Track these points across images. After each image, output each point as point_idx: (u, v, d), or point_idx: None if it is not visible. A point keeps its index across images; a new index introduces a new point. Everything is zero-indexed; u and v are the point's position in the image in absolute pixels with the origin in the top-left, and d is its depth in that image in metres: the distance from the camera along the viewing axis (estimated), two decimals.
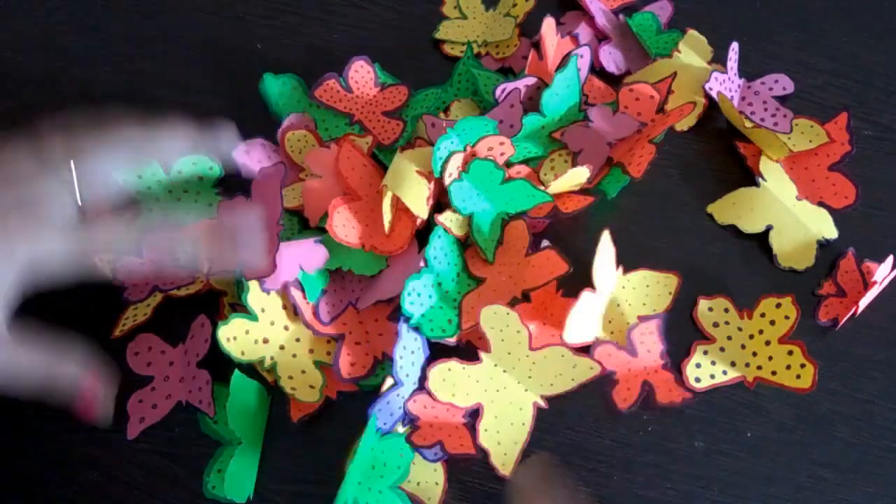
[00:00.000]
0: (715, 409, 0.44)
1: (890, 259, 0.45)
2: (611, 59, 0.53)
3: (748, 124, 0.49)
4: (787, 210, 0.48)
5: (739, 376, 0.44)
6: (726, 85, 0.51)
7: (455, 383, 0.42)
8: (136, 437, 0.44)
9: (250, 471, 0.43)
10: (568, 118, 0.50)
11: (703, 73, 0.51)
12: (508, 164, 0.48)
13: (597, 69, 0.53)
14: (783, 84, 0.53)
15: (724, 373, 0.44)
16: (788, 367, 0.43)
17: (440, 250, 0.45)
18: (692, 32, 0.54)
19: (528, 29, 0.54)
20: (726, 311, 0.45)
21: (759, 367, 0.43)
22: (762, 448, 0.43)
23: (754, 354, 0.44)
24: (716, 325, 0.45)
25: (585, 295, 0.41)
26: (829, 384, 0.44)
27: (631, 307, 0.45)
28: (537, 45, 0.52)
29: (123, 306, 0.47)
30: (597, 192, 0.49)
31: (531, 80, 0.50)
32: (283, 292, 0.44)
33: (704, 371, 0.44)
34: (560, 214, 0.47)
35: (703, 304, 0.46)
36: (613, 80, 0.53)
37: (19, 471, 0.44)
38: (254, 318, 0.43)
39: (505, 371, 0.43)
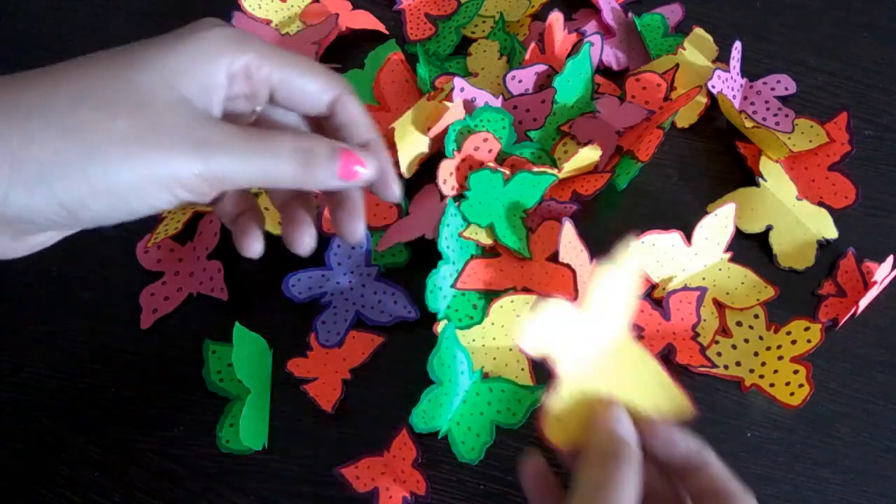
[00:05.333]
0: (715, 409, 0.44)
1: (890, 259, 0.45)
2: (612, 53, 0.53)
3: (748, 124, 0.49)
4: (787, 210, 0.48)
5: (738, 377, 0.44)
6: (729, 83, 0.51)
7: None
8: (148, 327, 0.47)
9: (262, 420, 0.44)
10: (579, 108, 0.50)
11: (706, 70, 0.51)
12: (501, 160, 0.48)
13: (598, 66, 0.53)
14: (785, 84, 0.53)
15: (726, 367, 0.44)
16: (787, 383, 0.43)
17: (451, 239, 0.45)
18: (698, 30, 0.54)
19: (541, 19, 0.54)
20: (756, 317, 0.45)
21: (762, 377, 0.43)
22: (762, 448, 0.43)
23: (763, 364, 0.44)
24: (739, 324, 0.45)
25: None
26: (829, 384, 0.44)
27: (715, 288, 0.46)
28: (541, 40, 0.52)
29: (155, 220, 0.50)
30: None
31: (541, 68, 0.50)
32: None
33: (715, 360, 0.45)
34: (581, 198, 0.47)
35: None
36: (613, 76, 0.53)
37: (20, 471, 0.44)
38: None
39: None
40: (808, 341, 0.43)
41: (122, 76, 0.27)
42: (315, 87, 0.31)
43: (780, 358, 0.43)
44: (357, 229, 0.33)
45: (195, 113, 0.28)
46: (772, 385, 0.43)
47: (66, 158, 0.25)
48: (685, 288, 0.45)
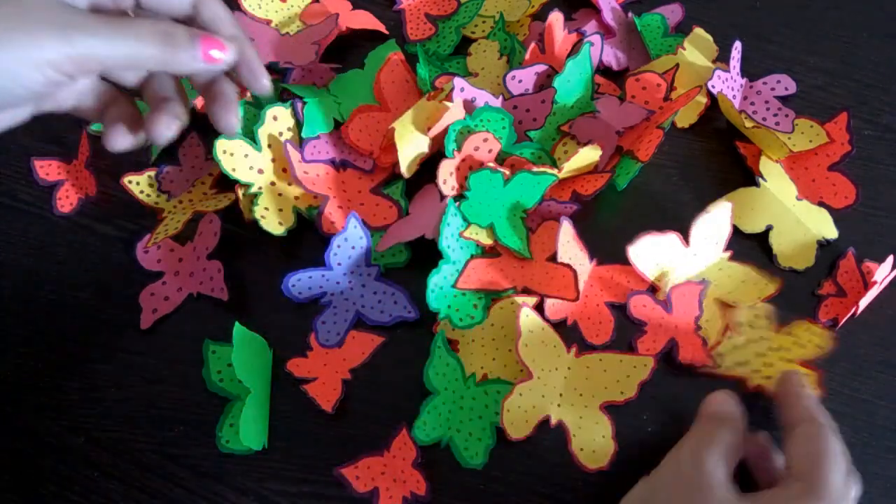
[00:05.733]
0: None
1: (890, 259, 0.45)
2: (612, 53, 0.53)
3: (748, 124, 0.49)
4: (787, 210, 0.48)
5: (741, 377, 0.44)
6: (729, 83, 0.51)
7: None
8: (148, 327, 0.47)
9: (262, 420, 0.44)
10: (579, 108, 0.50)
11: (706, 71, 0.51)
12: (501, 160, 0.48)
13: (598, 66, 0.53)
14: (785, 84, 0.53)
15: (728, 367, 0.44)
16: None
17: (451, 239, 0.45)
18: (698, 31, 0.54)
19: (541, 19, 0.54)
20: (758, 317, 0.45)
21: (768, 378, 0.43)
22: None
23: (768, 366, 0.44)
24: (742, 324, 0.45)
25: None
26: (829, 384, 0.44)
27: (716, 288, 0.46)
28: (541, 40, 0.52)
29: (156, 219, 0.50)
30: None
31: (541, 68, 0.50)
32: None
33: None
34: (581, 198, 0.47)
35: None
36: (613, 76, 0.53)
37: (20, 471, 0.44)
38: (258, 147, 0.46)
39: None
40: (819, 347, 0.43)
41: None
42: None
43: (788, 361, 0.43)
44: (231, 120, 0.36)
45: (62, 5, 0.31)
46: None
47: None
48: (687, 282, 0.46)
